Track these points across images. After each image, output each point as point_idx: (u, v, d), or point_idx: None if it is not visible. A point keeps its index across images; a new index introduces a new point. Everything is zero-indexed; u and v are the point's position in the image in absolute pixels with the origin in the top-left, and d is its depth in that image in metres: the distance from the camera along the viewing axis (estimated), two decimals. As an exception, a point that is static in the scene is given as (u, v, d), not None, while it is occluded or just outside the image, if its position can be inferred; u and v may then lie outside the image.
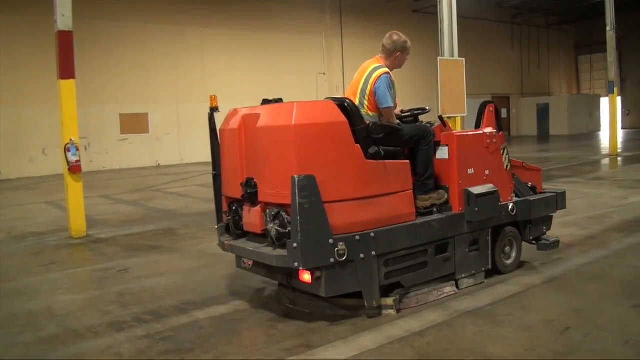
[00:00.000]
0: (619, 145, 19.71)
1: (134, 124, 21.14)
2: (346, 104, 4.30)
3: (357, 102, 4.74)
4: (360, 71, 4.99)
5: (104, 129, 20.33)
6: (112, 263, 6.43)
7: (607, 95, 19.73)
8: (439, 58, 11.78)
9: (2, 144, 18.12)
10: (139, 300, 4.96)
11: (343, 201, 4.05)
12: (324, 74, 26.00)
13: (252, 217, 4.37)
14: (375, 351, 3.67)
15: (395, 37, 5.04)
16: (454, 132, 4.94)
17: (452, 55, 11.76)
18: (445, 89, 11.38)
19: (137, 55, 21.07)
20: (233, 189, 4.56)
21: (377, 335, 3.91)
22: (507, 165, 5.18)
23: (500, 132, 5.18)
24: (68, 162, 7.81)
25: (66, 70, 7.80)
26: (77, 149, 7.86)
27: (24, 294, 5.35)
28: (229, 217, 4.68)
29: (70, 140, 7.81)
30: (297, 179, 3.80)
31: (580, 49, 39.88)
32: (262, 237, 4.34)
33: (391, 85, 4.77)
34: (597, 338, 3.72)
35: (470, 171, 4.83)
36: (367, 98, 4.77)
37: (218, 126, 4.91)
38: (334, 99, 4.35)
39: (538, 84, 37.18)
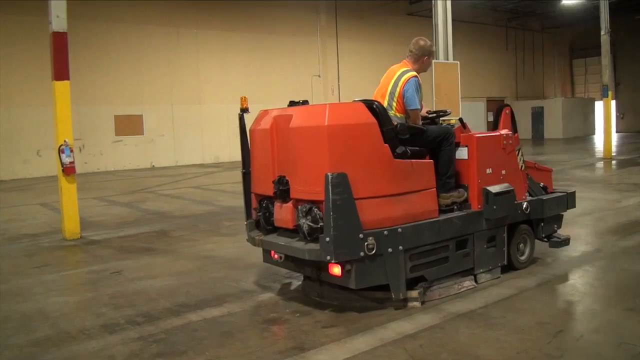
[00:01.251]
0: (613, 148, 19.79)
1: (129, 125, 21.11)
2: (375, 106, 4.50)
3: (385, 103, 4.96)
4: (387, 75, 5.19)
5: (99, 130, 20.30)
6: (105, 265, 6.41)
7: (601, 99, 19.79)
8: (433, 61, 11.79)
9: (-4, 145, 18.08)
10: (132, 303, 4.94)
11: (372, 198, 4.25)
12: (319, 75, 26.03)
13: (283, 213, 4.53)
14: (368, 354, 3.66)
15: (422, 42, 5.28)
16: (473, 133, 5.15)
17: (447, 58, 11.79)
18: (440, 92, 11.40)
19: (131, 57, 21.04)
20: (264, 187, 4.76)
21: (370, 337, 3.91)
22: (521, 166, 5.41)
23: (516, 134, 5.43)
24: (62, 164, 7.79)
25: (60, 72, 7.78)
26: (71, 151, 7.84)
27: (17, 295, 5.33)
28: (259, 214, 4.85)
29: (65, 141, 7.79)
30: (330, 177, 4.02)
31: (575, 52, 40.05)
32: (292, 232, 4.51)
33: (419, 88, 5.00)
34: (590, 341, 3.73)
35: (488, 171, 5.06)
36: (395, 100, 4.99)
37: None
38: (363, 101, 4.55)
39: (533, 87, 37.31)
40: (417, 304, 4.48)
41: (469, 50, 27.10)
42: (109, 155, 20.66)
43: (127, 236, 8.11)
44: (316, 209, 4.20)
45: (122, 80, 20.85)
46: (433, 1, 12.07)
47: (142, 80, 21.35)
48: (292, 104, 4.97)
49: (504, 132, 5.31)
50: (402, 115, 5.00)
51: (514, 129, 5.46)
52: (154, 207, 11.03)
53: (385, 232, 4.25)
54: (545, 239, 5.68)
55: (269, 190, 4.63)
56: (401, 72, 5.05)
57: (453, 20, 11.99)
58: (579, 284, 5.02)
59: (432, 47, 5.35)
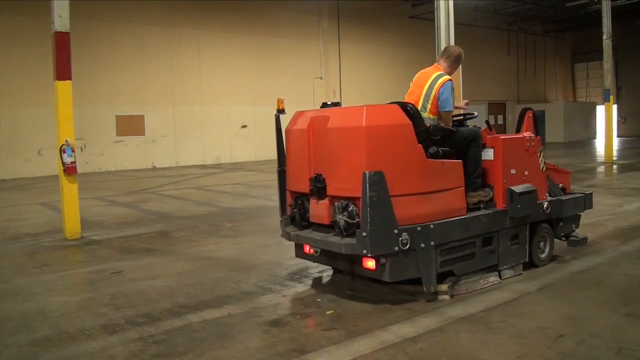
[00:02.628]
0: (615, 153, 19.79)
1: (130, 125, 21.12)
2: (409, 108, 4.74)
3: (420, 105, 5.20)
4: (421, 78, 5.43)
5: (100, 130, 20.31)
6: (106, 265, 6.41)
7: (603, 103, 19.80)
8: (435, 64, 11.79)
9: (-3, 144, 18.09)
10: (133, 303, 4.94)
11: (407, 195, 4.48)
12: (321, 78, 26.04)
13: (319, 209, 4.73)
14: (369, 357, 3.66)
15: (453, 49, 5.62)
16: (499, 135, 5.35)
17: (448, 61, 11.76)
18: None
19: (133, 57, 21.07)
20: (300, 184, 4.96)
21: (371, 340, 3.91)
22: (542, 167, 5.66)
23: (538, 136, 5.67)
24: (63, 163, 7.79)
25: (63, 72, 7.78)
26: (73, 150, 7.84)
27: (17, 295, 5.33)
28: (295, 210, 5.04)
29: (66, 141, 7.79)
30: (368, 175, 4.22)
31: (577, 56, 40.06)
32: (327, 227, 4.71)
33: (453, 91, 5.25)
34: (590, 346, 3.72)
35: (513, 171, 5.28)
36: (430, 102, 5.22)
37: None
38: (398, 103, 4.79)
39: (534, 91, 37.30)
40: (446, 297, 4.69)
41: (470, 54, 26.94)
42: (110, 155, 20.67)
43: (127, 236, 8.11)
44: (352, 206, 4.39)
45: (124, 81, 20.87)
46: (435, 4, 12.08)
47: (144, 81, 21.37)
48: (324, 105, 5.21)
49: (526, 134, 5.56)
50: (434, 116, 5.23)
51: (536, 132, 5.70)
52: (154, 207, 11.03)
53: (418, 228, 4.47)
54: (564, 238, 5.93)
55: (304, 187, 4.83)
56: (437, 76, 5.28)
57: (455, 23, 12.01)
58: (579, 288, 5.00)
59: (462, 53, 5.62)
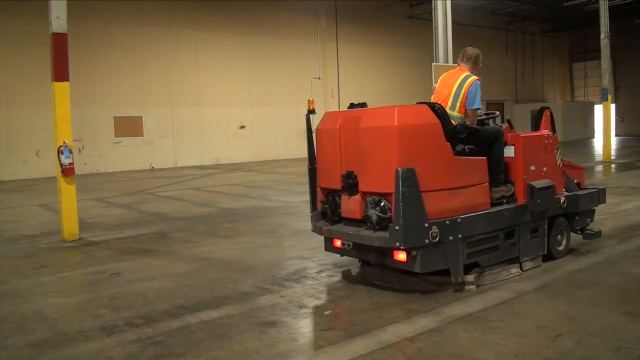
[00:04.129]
0: (613, 152, 19.81)
1: (128, 126, 21.10)
2: (436, 108, 4.94)
3: (449, 104, 5.38)
4: (448, 79, 5.63)
5: (98, 131, 20.29)
6: (104, 266, 6.40)
7: (601, 103, 19.82)
8: (433, 64, 11.81)
9: (-5, 146, 18.07)
10: (131, 304, 4.94)
11: (436, 191, 4.70)
12: (319, 78, 26.04)
13: (351, 205, 4.96)
14: (367, 356, 3.66)
15: (471, 51, 5.81)
16: (519, 133, 5.61)
17: (446, 61, 11.79)
18: (440, 94, 11.40)
19: (131, 58, 21.04)
20: (331, 181, 5.19)
21: (369, 340, 3.91)
22: (559, 163, 5.92)
23: (555, 134, 5.95)
24: (61, 165, 7.78)
25: (60, 73, 7.77)
26: (71, 152, 7.83)
27: (15, 296, 5.33)
28: (326, 206, 5.26)
29: (64, 142, 7.78)
30: (400, 172, 4.46)
31: (575, 56, 40.08)
32: (358, 222, 4.92)
33: (480, 91, 5.46)
34: (589, 345, 3.73)
35: (532, 168, 5.53)
36: (459, 100, 5.40)
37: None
38: (426, 104, 5.01)
39: (532, 91, 37.32)
40: (473, 287, 4.94)
41: (468, 53, 27.09)
42: (109, 156, 20.65)
43: (126, 237, 8.10)
44: (385, 201, 4.62)
45: (122, 82, 20.85)
46: (433, 4, 12.09)
47: (142, 82, 21.35)
48: (352, 106, 5.47)
49: (545, 132, 5.82)
50: (463, 115, 5.43)
51: (553, 130, 5.96)
52: (153, 208, 11.02)
53: (447, 222, 4.70)
54: (579, 232, 6.17)
55: (336, 184, 5.09)
56: (465, 76, 5.50)
57: (453, 23, 12.01)
58: (577, 287, 5.01)
59: (480, 54, 5.85)
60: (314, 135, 5.61)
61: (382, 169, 4.64)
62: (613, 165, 17.35)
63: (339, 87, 26.54)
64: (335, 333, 4.08)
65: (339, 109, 26.29)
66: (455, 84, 5.48)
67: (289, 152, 25.08)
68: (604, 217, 8.19)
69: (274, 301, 4.88)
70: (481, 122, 5.70)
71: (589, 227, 6.25)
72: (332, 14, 26.26)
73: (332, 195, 5.23)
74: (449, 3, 11.92)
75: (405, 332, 4.03)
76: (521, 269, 5.42)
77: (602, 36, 18.88)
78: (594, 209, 6.38)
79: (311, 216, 5.58)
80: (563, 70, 40.55)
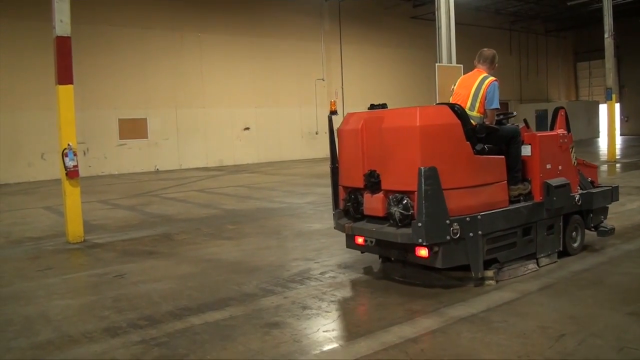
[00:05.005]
0: (617, 151, 19.75)
1: (133, 129, 21.15)
2: (456, 108, 5.06)
3: (468, 104, 5.55)
4: (466, 81, 5.82)
5: (103, 134, 20.34)
6: (108, 268, 6.42)
7: (605, 102, 19.76)
8: (436, 64, 11.82)
9: (0, 149, 18.12)
10: (135, 306, 4.96)
11: (457, 189, 4.83)
12: (323, 79, 26.04)
13: (374, 203, 5.08)
14: (370, 357, 3.67)
15: (486, 52, 5.99)
16: (536, 133, 5.76)
17: (450, 61, 11.80)
18: (443, 94, 11.40)
19: (135, 61, 21.09)
20: (354, 180, 5.33)
21: (372, 341, 3.91)
22: (574, 162, 6.05)
23: (570, 133, 6.06)
24: (65, 167, 7.81)
25: (64, 76, 7.80)
26: (75, 154, 7.86)
27: (20, 298, 5.35)
28: (348, 204, 5.38)
29: (68, 145, 7.81)
30: (423, 170, 4.61)
31: (579, 55, 39.99)
32: (380, 219, 5.05)
33: (498, 91, 5.65)
34: (592, 345, 3.72)
35: (548, 166, 5.65)
36: (479, 100, 5.58)
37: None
38: (446, 104, 5.17)
39: (536, 91, 37.24)
40: (492, 282, 5.07)
41: (472, 54, 27.02)
42: (113, 158, 20.70)
43: (130, 239, 8.12)
44: (407, 199, 4.76)
45: (126, 84, 20.91)
46: (436, 4, 12.09)
47: (146, 84, 21.40)
48: (372, 107, 5.59)
49: (560, 131, 5.97)
50: (482, 115, 5.59)
51: (568, 129, 6.10)
52: (157, 210, 11.05)
53: (468, 219, 4.83)
54: (594, 229, 6.29)
55: (358, 182, 5.22)
56: (483, 77, 5.68)
57: (456, 23, 12.02)
58: (580, 287, 5.00)
59: (496, 54, 6.01)
60: (335, 135, 5.76)
61: (405, 167, 4.78)
62: (618, 165, 17.30)
63: (342, 88, 26.54)
64: (338, 334, 4.09)
65: (343, 110, 26.32)
66: (474, 85, 5.64)
67: (293, 153, 25.10)
68: (608, 217, 8.17)
69: (277, 302, 4.89)
70: (499, 122, 5.83)
71: (602, 225, 6.35)
72: (335, 15, 26.28)
73: (354, 194, 5.35)
74: (452, 3, 11.93)
75: (408, 333, 4.03)
76: (538, 265, 5.54)
77: (606, 35, 18.84)
78: (608, 207, 6.49)
79: (333, 214, 5.74)
80: (567, 69, 40.46)
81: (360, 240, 5.35)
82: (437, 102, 11.57)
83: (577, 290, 4.92)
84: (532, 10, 31.63)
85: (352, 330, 4.14)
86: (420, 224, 4.61)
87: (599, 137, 34.59)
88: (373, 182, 5.04)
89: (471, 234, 4.85)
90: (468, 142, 4.95)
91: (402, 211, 4.77)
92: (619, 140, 26.21)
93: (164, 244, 7.76)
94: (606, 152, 19.27)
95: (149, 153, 21.61)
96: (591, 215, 6.19)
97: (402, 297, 4.87)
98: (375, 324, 4.25)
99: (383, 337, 3.99)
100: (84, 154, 18.72)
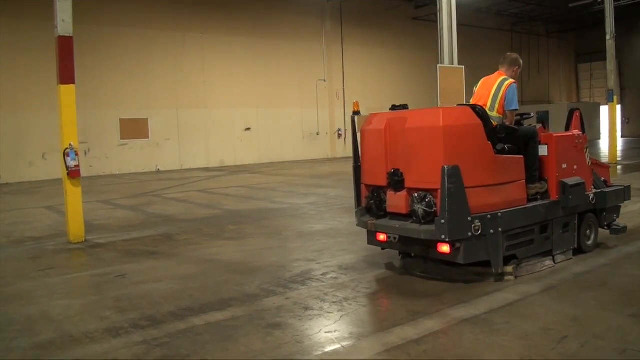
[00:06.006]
0: (619, 153, 19.73)
1: (134, 129, 21.16)
2: (477, 109, 5.24)
3: (488, 105, 5.73)
4: (486, 83, 6.02)
5: (104, 134, 20.36)
6: (110, 268, 6.42)
7: (606, 104, 19.75)
8: (438, 65, 11.80)
9: (2, 148, 18.14)
10: (136, 306, 4.95)
11: (478, 187, 4.99)
12: (324, 80, 26.06)
13: (397, 200, 5.23)
14: (372, 359, 3.66)
15: (511, 55, 6.19)
16: (552, 133, 5.89)
17: (451, 62, 11.78)
18: (445, 96, 11.39)
19: (137, 61, 21.11)
20: (377, 178, 5.47)
21: (374, 342, 3.91)
22: (588, 162, 6.20)
23: (584, 134, 6.23)
24: (67, 167, 7.80)
25: (66, 76, 7.80)
26: (77, 154, 7.85)
27: (21, 298, 5.34)
28: (371, 202, 5.51)
29: (70, 145, 7.80)
30: (446, 169, 4.76)
31: (580, 57, 39.98)
32: (403, 216, 5.18)
33: (517, 93, 5.83)
34: (594, 347, 3.71)
35: (564, 166, 5.80)
36: (498, 102, 5.78)
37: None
38: (468, 105, 5.35)
39: (538, 92, 37.23)
40: (511, 277, 5.22)
41: (473, 55, 27.03)
42: (114, 158, 20.71)
43: (131, 239, 8.12)
44: (430, 197, 4.90)
45: (128, 84, 20.92)
46: (438, 5, 12.08)
47: (148, 84, 21.41)
48: (393, 108, 5.76)
49: (575, 132, 6.13)
50: (501, 116, 5.78)
51: (583, 130, 6.28)
52: (158, 210, 11.05)
53: (489, 216, 4.99)
54: (607, 227, 6.41)
55: (381, 181, 5.36)
56: (502, 79, 5.86)
57: (458, 24, 11.99)
58: (583, 289, 4.99)
59: (516, 56, 6.15)
60: (358, 135, 5.89)
61: (428, 166, 4.92)
62: (619, 167, 17.27)
63: (344, 89, 26.55)
64: (340, 335, 4.07)
65: (344, 111, 26.33)
66: (494, 87, 5.84)
67: (295, 154, 25.11)
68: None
69: (279, 303, 4.88)
70: (517, 123, 6.01)
71: (615, 223, 6.49)
72: (337, 15, 26.29)
73: (377, 192, 5.47)
74: (454, 4, 11.91)
75: (410, 334, 4.02)
76: (554, 261, 5.68)
77: (607, 37, 18.83)
78: (620, 206, 6.64)
79: (355, 212, 5.85)
80: (569, 71, 40.45)
81: (382, 237, 5.47)
82: (439, 103, 11.57)
83: (580, 292, 4.91)
84: (534, 11, 31.63)
85: (354, 332, 4.13)
86: (443, 221, 4.76)
87: (600, 138, 34.55)
88: (396, 181, 5.17)
89: (492, 231, 5.00)
90: (489, 142, 5.11)
91: (426, 208, 4.91)
92: (620, 142, 26.18)
93: (165, 244, 7.76)
94: (607, 154, 19.23)
95: (150, 153, 21.62)
96: (604, 213, 6.32)
97: (404, 299, 4.86)
98: (377, 325, 4.24)
99: (385, 338, 3.98)
100: (85, 153, 18.75)
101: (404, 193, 5.16)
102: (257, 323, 4.41)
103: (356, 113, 6.11)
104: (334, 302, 4.84)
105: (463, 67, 11.96)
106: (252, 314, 4.63)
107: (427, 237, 4.93)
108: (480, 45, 30.60)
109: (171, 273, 6.13)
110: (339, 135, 26.54)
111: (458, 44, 11.90)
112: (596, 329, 4.03)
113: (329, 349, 3.84)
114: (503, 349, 3.73)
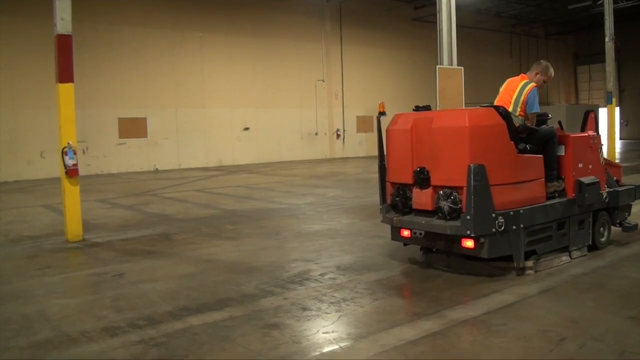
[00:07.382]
0: (617, 155, 19.75)
1: (133, 128, 21.13)
2: (501, 110, 5.43)
3: (511, 107, 5.94)
4: (509, 85, 6.29)
5: (103, 132, 20.33)
6: (107, 267, 6.40)
7: (605, 106, 19.78)
8: (437, 66, 11.81)
9: (0, 147, 18.10)
10: (134, 306, 4.94)
11: (502, 185, 5.19)
12: (323, 80, 26.04)
13: (423, 197, 5.43)
14: (369, 359, 3.65)
15: (540, 64, 6.42)
16: (569, 134, 6.10)
17: (450, 63, 11.80)
18: (444, 96, 11.40)
19: (136, 60, 21.09)
20: (402, 176, 5.67)
21: (372, 343, 3.90)
22: (602, 161, 6.41)
23: (599, 135, 6.46)
24: (65, 166, 7.78)
25: (65, 74, 7.78)
26: (75, 153, 7.84)
27: (18, 297, 5.33)
28: (397, 199, 5.70)
29: (68, 143, 7.79)
30: (472, 167, 4.96)
31: (579, 59, 40.01)
32: (428, 213, 5.40)
33: (537, 96, 6.06)
34: (593, 349, 3.71)
35: (580, 165, 6.02)
36: (520, 105, 6.01)
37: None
38: (492, 106, 5.56)
39: (537, 94, 37.19)
40: (532, 272, 5.43)
41: (473, 56, 27.09)
42: (113, 157, 20.69)
43: (129, 239, 8.11)
44: (456, 194, 5.10)
45: (127, 83, 20.89)
46: (437, 7, 12.09)
47: (147, 83, 21.39)
48: (417, 108, 5.99)
49: (590, 132, 6.36)
50: (522, 117, 5.99)
51: (597, 130, 6.50)
52: (156, 210, 11.03)
53: (511, 213, 5.19)
54: (619, 224, 6.65)
55: (407, 179, 5.57)
56: (525, 83, 6.11)
57: (457, 25, 12.01)
58: (581, 291, 4.99)
59: (549, 67, 6.35)
60: (383, 134, 6.06)
61: (454, 164, 5.12)
62: (617, 169, 17.26)
63: (343, 90, 26.55)
64: (337, 335, 4.07)
65: (343, 111, 26.34)
66: (517, 90, 6.08)
67: (293, 154, 25.10)
68: (608, 221, 8.16)
69: (276, 303, 4.87)
70: (538, 123, 6.17)
71: (626, 221, 6.72)
72: (336, 16, 26.29)
73: (402, 189, 5.66)
74: (453, 5, 11.93)
75: (408, 336, 4.01)
76: (570, 257, 5.89)
77: (606, 39, 18.87)
78: (631, 204, 6.87)
79: (380, 208, 6.04)
80: (567, 73, 40.47)
81: (406, 232, 5.67)
82: (438, 103, 11.58)
83: (578, 294, 4.91)
84: (533, 13, 31.64)
85: (351, 332, 4.12)
86: (468, 217, 4.96)
87: (598, 140, 34.54)
88: (423, 178, 5.37)
89: (514, 227, 5.20)
90: (512, 142, 5.31)
91: (451, 205, 5.11)
92: (618, 144, 26.20)
93: (163, 243, 7.74)
94: (606, 156, 19.24)
95: (149, 152, 21.59)
96: (616, 211, 6.54)
97: (403, 299, 4.86)
98: (375, 325, 4.23)
99: (383, 339, 3.97)
100: (84, 152, 18.71)
101: (429, 190, 5.35)
102: (254, 323, 4.40)
103: (382, 114, 6.32)
104: (331, 303, 4.83)
105: (462, 68, 11.98)
106: (249, 314, 4.63)
107: (452, 232, 5.12)
108: (479, 47, 30.63)
109: (169, 273, 6.12)
110: (338, 136, 26.54)
111: (457, 45, 11.91)
112: (594, 331, 4.02)
113: (326, 349, 3.84)
114: (501, 350, 3.73)
